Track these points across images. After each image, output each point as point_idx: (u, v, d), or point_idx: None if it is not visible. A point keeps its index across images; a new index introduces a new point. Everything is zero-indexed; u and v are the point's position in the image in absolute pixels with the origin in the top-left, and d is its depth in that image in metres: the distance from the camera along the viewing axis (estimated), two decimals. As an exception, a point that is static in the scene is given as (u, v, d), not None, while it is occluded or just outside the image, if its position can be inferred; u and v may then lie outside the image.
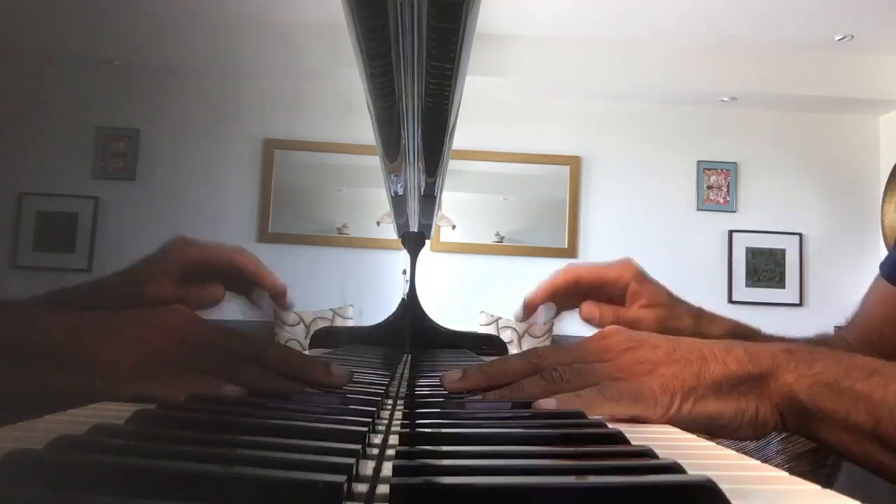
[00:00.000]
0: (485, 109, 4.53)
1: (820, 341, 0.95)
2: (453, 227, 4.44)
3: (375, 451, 0.35)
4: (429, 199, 1.07)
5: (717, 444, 0.42)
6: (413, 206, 1.12)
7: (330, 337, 1.42)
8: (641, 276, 0.87)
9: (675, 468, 0.29)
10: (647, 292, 0.86)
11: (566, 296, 0.89)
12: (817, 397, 0.48)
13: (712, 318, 0.89)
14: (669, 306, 0.86)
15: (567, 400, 0.49)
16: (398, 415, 0.48)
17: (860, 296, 0.96)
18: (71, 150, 4.60)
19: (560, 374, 0.52)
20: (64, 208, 4.56)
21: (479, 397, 0.54)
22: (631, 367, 0.52)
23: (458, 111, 0.68)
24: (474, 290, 4.56)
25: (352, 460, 0.28)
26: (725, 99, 4.62)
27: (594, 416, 0.49)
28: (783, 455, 1.13)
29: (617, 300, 0.88)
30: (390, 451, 0.33)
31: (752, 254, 4.67)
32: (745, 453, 0.38)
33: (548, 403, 0.48)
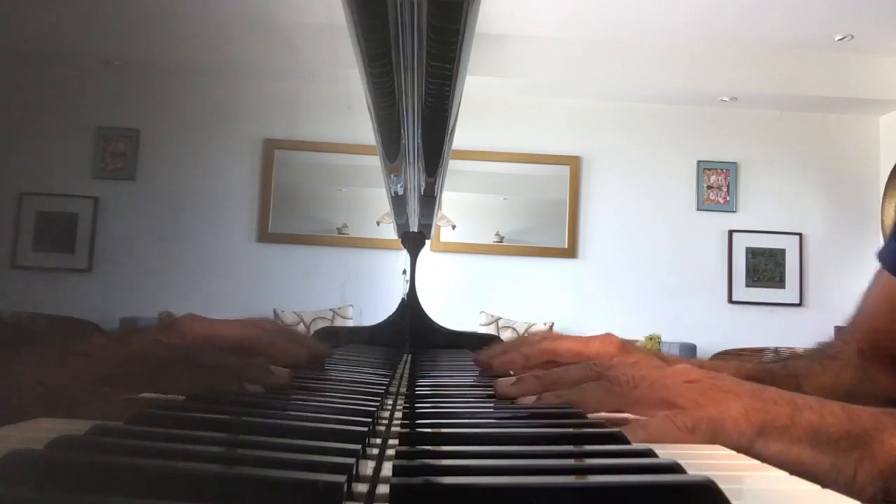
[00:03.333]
0: (485, 109, 4.53)
1: (823, 348, 0.86)
2: (453, 227, 4.44)
3: (375, 451, 0.35)
4: (429, 199, 1.07)
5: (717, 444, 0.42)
6: (413, 206, 1.12)
7: (330, 337, 1.41)
8: (626, 348, 0.77)
9: (675, 468, 0.29)
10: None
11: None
12: None
13: (716, 366, 0.79)
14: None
15: (631, 430, 0.42)
16: (398, 415, 0.48)
17: (860, 295, 0.89)
18: (71, 150, 4.60)
19: (628, 378, 0.47)
20: (64, 208, 4.56)
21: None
22: (712, 393, 0.45)
23: (458, 111, 0.68)
24: (474, 290, 4.56)
25: (352, 460, 0.28)
26: (725, 99, 4.62)
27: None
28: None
29: None
30: (390, 451, 0.33)
31: (752, 254, 4.67)
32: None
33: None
